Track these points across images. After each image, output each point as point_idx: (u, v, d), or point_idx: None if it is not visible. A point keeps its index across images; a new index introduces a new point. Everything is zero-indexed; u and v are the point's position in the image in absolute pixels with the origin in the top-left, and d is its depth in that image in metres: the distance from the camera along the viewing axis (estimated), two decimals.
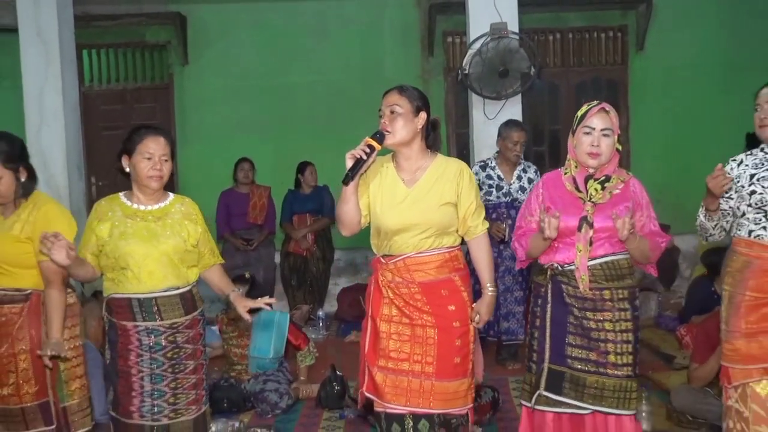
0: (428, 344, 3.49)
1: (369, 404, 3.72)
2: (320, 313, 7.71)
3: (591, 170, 3.50)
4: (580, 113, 3.48)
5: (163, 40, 9.50)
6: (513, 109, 7.83)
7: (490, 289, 3.59)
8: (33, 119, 7.77)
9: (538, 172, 6.32)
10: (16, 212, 3.62)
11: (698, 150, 9.14)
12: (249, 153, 8.31)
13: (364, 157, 3.39)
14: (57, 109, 7.82)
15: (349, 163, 3.39)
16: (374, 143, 3.42)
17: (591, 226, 3.43)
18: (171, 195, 3.61)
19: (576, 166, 3.53)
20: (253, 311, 5.37)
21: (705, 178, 3.43)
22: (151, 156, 3.42)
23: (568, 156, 3.59)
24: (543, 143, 9.55)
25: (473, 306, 3.57)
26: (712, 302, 6.27)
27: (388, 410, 3.55)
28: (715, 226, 3.59)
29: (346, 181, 3.43)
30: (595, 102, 3.48)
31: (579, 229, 3.43)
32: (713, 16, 9.43)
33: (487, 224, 3.62)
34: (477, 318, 3.55)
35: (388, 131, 3.46)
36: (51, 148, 7.76)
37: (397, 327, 3.54)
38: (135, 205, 3.52)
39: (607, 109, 3.45)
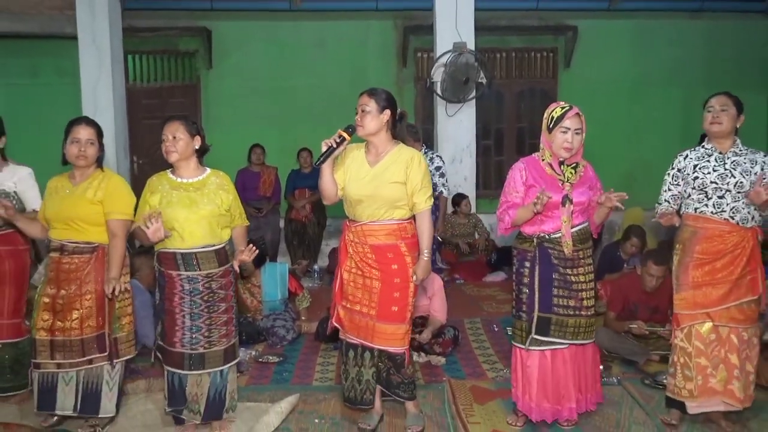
0: (373, 293, 3.50)
1: (335, 333, 3.76)
2: (315, 267, 7.66)
3: (562, 159, 3.49)
4: (556, 114, 3.43)
5: (192, 49, 9.34)
6: (469, 111, 7.85)
7: (426, 254, 3.53)
8: (88, 109, 7.66)
9: (435, 159, 6.22)
10: (88, 180, 3.54)
11: (610, 145, 9.23)
12: (259, 140, 8.18)
13: (335, 146, 3.39)
14: (108, 101, 7.73)
15: (323, 149, 3.39)
16: (345, 134, 3.41)
17: (571, 201, 3.45)
18: (208, 169, 3.54)
19: (549, 155, 3.50)
20: (261, 264, 5.35)
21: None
22: (165, 137, 3.41)
23: (541, 146, 3.54)
24: (490, 138, 9.52)
25: (412, 268, 3.51)
26: (617, 262, 6.34)
27: (347, 339, 3.60)
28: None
29: (317, 163, 3.45)
30: (568, 106, 3.44)
31: (563, 204, 3.44)
32: (625, 43, 9.45)
33: (431, 202, 3.55)
34: (414, 277, 3.51)
35: (359, 125, 3.45)
36: (103, 132, 7.62)
37: (354, 277, 3.55)
38: (178, 179, 3.47)
39: (580, 113, 3.43)
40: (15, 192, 3.85)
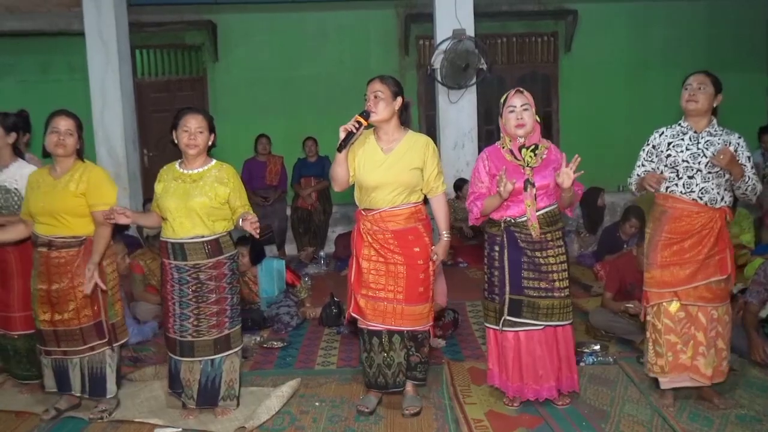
0: (399, 277, 3.50)
1: (353, 322, 3.74)
2: (321, 253, 7.69)
3: (521, 140, 3.47)
4: (502, 99, 3.50)
5: (198, 42, 9.32)
6: (470, 96, 7.78)
7: (446, 235, 3.58)
8: (97, 104, 7.67)
9: None
10: (69, 173, 3.54)
11: (611, 127, 9.24)
12: (266, 130, 8.20)
13: (354, 131, 3.37)
14: (116, 96, 7.71)
15: (343, 135, 3.38)
16: (362, 120, 3.39)
17: (533, 185, 3.43)
18: (213, 161, 3.55)
19: (509, 140, 3.51)
20: (258, 262, 5.34)
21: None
22: (188, 129, 3.42)
23: (502, 134, 3.56)
24: (492, 122, 9.41)
25: (433, 248, 3.55)
26: (617, 243, 6.31)
27: (370, 327, 3.58)
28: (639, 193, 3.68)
29: (340, 149, 3.41)
30: (512, 89, 3.50)
31: (525, 189, 3.43)
32: (623, 26, 9.35)
33: (445, 186, 3.60)
34: (435, 257, 3.54)
35: (373, 111, 3.42)
36: (112, 126, 7.66)
37: (375, 264, 3.53)
38: (182, 170, 3.50)
39: (522, 90, 3.47)
40: (16, 189, 3.83)
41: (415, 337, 3.60)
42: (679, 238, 3.45)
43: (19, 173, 3.84)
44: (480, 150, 8.34)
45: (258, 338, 4.88)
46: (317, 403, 3.75)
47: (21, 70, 9.11)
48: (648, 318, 3.58)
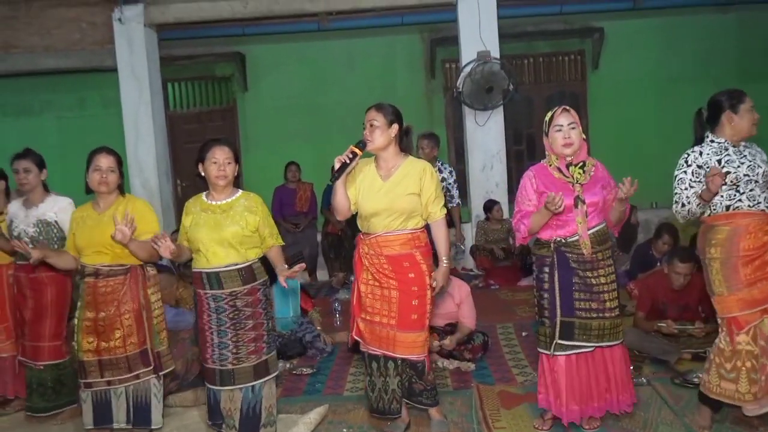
0: (392, 303, 3.47)
1: (357, 344, 3.73)
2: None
3: (568, 158, 3.44)
4: (547, 118, 3.47)
5: (228, 73, 9.54)
6: (497, 118, 7.80)
7: (445, 261, 3.54)
8: (131, 137, 7.86)
9: (453, 172, 6.43)
10: (113, 207, 3.64)
11: (640, 144, 9.15)
12: (295, 157, 8.30)
13: (348, 162, 3.38)
14: (148, 128, 7.90)
15: (337, 166, 3.39)
16: (357, 150, 3.40)
17: (584, 202, 3.39)
18: (239, 191, 3.60)
19: (556, 159, 3.47)
20: (272, 282, 5.32)
21: (706, 179, 3.24)
22: (216, 161, 3.45)
23: (546, 152, 3.52)
24: (522, 143, 9.44)
25: (432, 274, 3.51)
26: (650, 261, 6.20)
27: (369, 351, 3.59)
28: (700, 210, 3.43)
29: (332, 180, 3.44)
30: (558, 107, 3.47)
31: (575, 206, 3.38)
32: (650, 42, 9.30)
33: (444, 211, 3.56)
34: (434, 283, 3.51)
35: (369, 140, 3.43)
36: (145, 158, 7.84)
37: (372, 289, 3.53)
38: (209, 201, 3.54)
39: (568, 108, 3.45)
40: (56, 221, 3.98)
41: (414, 365, 3.57)
42: (758, 253, 3.30)
43: (58, 206, 4.00)
44: (509, 171, 8.41)
45: (288, 365, 4.89)
46: (345, 430, 3.73)
47: (58, 106, 9.42)
48: (740, 346, 3.32)
